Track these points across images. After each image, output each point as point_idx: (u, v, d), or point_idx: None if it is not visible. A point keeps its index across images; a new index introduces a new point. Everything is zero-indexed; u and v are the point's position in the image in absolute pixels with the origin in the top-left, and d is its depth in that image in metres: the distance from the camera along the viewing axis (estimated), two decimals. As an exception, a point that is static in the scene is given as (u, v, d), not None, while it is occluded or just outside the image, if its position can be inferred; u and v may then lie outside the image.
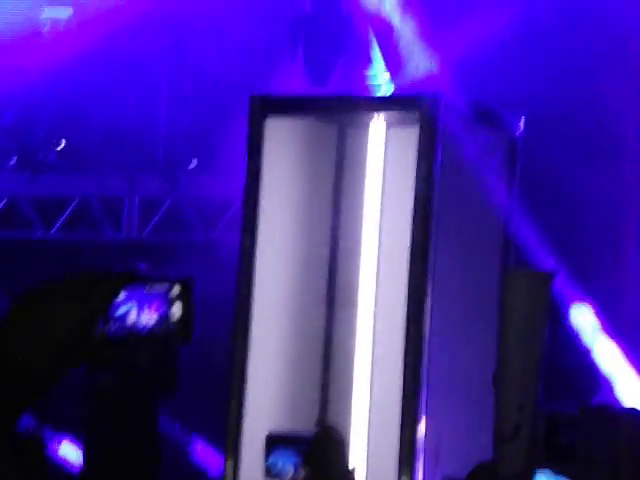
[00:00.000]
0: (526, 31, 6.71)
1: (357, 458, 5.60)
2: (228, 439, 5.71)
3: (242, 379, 5.84)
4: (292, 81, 6.69)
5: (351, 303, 6.08)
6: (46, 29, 8.04)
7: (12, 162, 8.19)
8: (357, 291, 6.09)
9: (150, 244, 7.74)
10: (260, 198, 6.03)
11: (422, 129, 5.80)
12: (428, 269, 5.70)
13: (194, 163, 7.84)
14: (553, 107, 6.69)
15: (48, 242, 7.99)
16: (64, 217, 8.05)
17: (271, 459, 3.43)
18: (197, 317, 1.45)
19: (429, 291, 5.65)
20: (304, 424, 5.50)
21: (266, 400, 5.89)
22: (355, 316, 6.06)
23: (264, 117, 6.06)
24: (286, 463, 3.44)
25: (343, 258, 6.17)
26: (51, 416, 7.06)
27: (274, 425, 5.60)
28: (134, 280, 1.48)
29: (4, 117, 8.16)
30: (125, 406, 5.04)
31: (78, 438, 6.81)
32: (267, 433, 4.74)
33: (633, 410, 4.90)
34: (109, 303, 1.47)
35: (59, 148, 8.06)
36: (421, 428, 5.48)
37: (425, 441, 5.43)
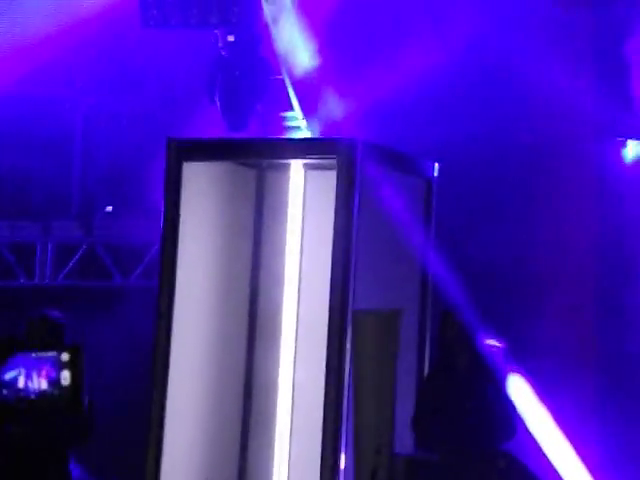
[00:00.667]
0: (443, 78, 6.83)
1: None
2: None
3: (160, 426, 5.76)
4: (210, 126, 6.69)
5: (272, 347, 6.06)
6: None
7: None
8: (279, 333, 6.08)
9: (65, 290, 7.62)
10: (178, 243, 5.98)
11: (340, 173, 5.85)
12: (347, 312, 5.72)
13: (110, 208, 7.77)
14: (466, 154, 6.81)
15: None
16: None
17: None
18: (108, 370, 1.42)
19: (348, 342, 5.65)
20: (224, 470, 5.42)
21: (184, 448, 5.82)
22: (277, 359, 6.04)
23: (181, 161, 6.03)
24: None
25: (265, 299, 6.16)
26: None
27: (192, 474, 5.52)
28: (18, 346, 1.45)
29: None
30: (36, 456, 4.96)
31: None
32: None
33: (500, 452, 4.89)
34: None
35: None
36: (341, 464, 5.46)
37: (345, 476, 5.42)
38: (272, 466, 5.90)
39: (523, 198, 6.87)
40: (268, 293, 6.15)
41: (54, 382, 1.32)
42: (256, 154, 6.19)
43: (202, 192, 6.08)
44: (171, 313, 5.92)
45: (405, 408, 5.46)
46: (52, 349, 1.27)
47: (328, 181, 5.93)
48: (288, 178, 6.17)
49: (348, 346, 5.55)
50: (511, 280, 6.69)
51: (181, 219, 5.99)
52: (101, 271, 7.73)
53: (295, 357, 6.01)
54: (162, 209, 6.04)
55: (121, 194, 7.71)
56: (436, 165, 6.43)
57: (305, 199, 6.15)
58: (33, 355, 1.34)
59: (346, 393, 5.45)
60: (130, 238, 7.57)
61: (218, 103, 6.72)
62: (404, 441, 5.12)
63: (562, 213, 6.72)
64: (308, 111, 6.80)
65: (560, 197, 6.75)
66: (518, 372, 6.10)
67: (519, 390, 6.14)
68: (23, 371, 1.34)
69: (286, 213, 6.15)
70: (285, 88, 6.82)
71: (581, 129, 6.76)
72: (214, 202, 6.13)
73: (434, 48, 6.84)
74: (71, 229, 7.75)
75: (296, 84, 6.91)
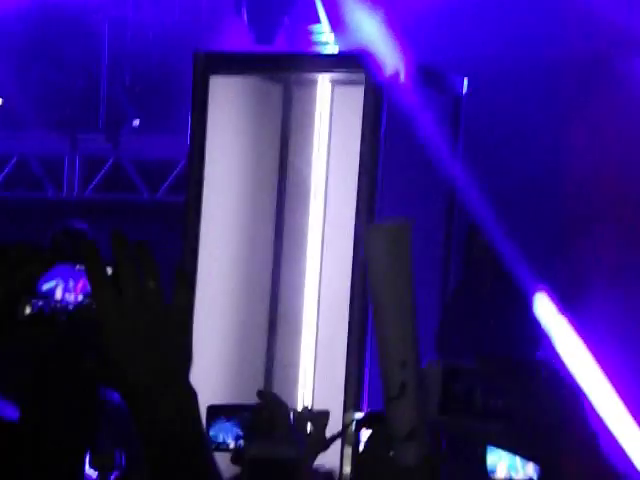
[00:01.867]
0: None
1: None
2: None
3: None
4: (237, 39, 6.62)
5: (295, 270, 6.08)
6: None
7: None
8: (305, 249, 6.09)
9: (92, 203, 7.64)
10: (205, 158, 5.98)
11: (367, 89, 5.79)
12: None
13: (137, 122, 7.74)
14: (498, 68, 6.70)
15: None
16: (2, 175, 7.92)
17: (212, 431, 3.39)
18: None
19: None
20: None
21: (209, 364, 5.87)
22: (303, 271, 6.06)
23: (208, 75, 5.98)
24: (227, 434, 3.40)
25: (289, 214, 6.16)
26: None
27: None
28: (62, 259, 1.42)
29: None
30: (64, 371, 5.01)
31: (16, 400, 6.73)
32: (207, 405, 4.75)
33: (536, 361, 4.92)
34: (33, 282, 1.41)
35: (-3, 106, 7.92)
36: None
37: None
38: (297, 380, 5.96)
39: (556, 115, 6.77)
40: (294, 207, 6.14)
41: (90, 295, 1.32)
42: (283, 68, 6.13)
43: (229, 106, 6.05)
44: (198, 229, 5.93)
45: (429, 324, 5.49)
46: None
47: (356, 96, 5.88)
48: (315, 93, 6.12)
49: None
50: (543, 196, 6.61)
51: (208, 133, 5.97)
52: (128, 185, 7.74)
53: (320, 274, 6.03)
54: (189, 123, 6.02)
55: (148, 108, 7.68)
56: (465, 80, 6.34)
57: (332, 114, 6.11)
58: (76, 267, 1.33)
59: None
60: (157, 153, 7.56)
61: (245, 16, 6.64)
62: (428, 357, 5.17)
63: (597, 131, 6.62)
64: (336, 25, 6.71)
65: (594, 115, 6.65)
66: (546, 293, 6.07)
67: (547, 310, 6.13)
68: (61, 282, 1.33)
69: (313, 127, 6.11)
70: (313, 2, 6.72)
71: (619, 47, 6.62)
72: (241, 116, 6.10)
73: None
74: (98, 142, 7.75)
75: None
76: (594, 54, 6.64)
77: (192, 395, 1.39)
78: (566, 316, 6.11)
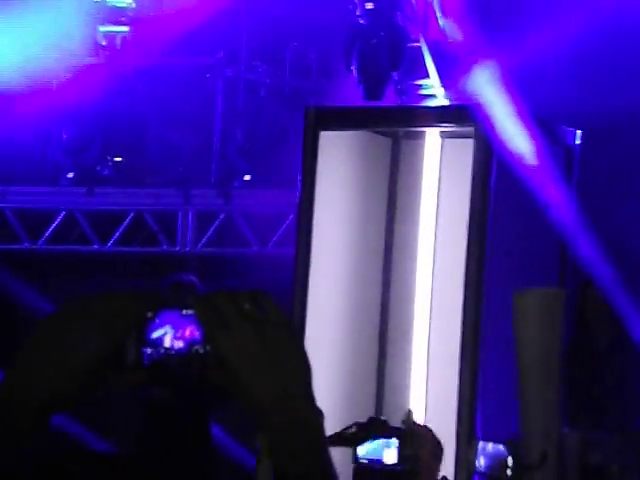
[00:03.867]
0: (587, 42, 6.64)
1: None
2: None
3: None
4: (346, 94, 6.68)
5: (405, 322, 6.04)
6: (103, 44, 8.12)
7: (69, 176, 8.27)
8: (412, 302, 6.05)
9: (203, 257, 7.75)
10: (314, 211, 6.01)
11: (477, 141, 5.76)
12: (482, 288, 5.65)
13: (248, 177, 7.86)
14: (611, 121, 6.60)
15: (104, 255, 8.05)
16: (119, 231, 8.11)
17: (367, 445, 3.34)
18: None
19: (482, 313, 5.57)
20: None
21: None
22: (411, 326, 6.02)
23: (318, 130, 6.04)
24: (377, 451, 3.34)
25: (397, 270, 6.14)
26: (100, 426, 7.08)
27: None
28: (164, 303, 1.43)
29: (60, 133, 8.25)
30: (176, 419, 5.03)
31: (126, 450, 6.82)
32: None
33: None
34: (136, 327, 1.41)
35: (116, 161, 8.13)
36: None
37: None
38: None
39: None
40: (401, 262, 6.12)
41: (199, 342, 1.32)
42: (392, 122, 6.15)
43: (338, 160, 6.09)
44: (307, 279, 5.96)
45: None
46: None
47: (465, 149, 5.85)
48: (424, 146, 6.12)
49: (482, 324, 5.49)
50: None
51: (317, 187, 6.01)
52: (238, 239, 7.84)
53: (430, 325, 5.98)
54: (298, 178, 6.07)
55: (259, 163, 7.79)
56: (578, 132, 6.26)
57: (441, 167, 6.09)
58: (183, 312, 1.33)
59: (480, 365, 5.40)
60: (267, 207, 7.65)
61: (355, 72, 6.70)
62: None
63: None
64: (445, 79, 6.71)
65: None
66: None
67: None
68: (170, 329, 1.33)
69: (421, 181, 6.10)
70: (422, 56, 6.75)
71: None
72: (350, 170, 6.12)
73: (580, 12, 6.65)
74: (211, 197, 7.89)
75: (434, 51, 6.83)
76: None
77: (318, 414, 1.41)
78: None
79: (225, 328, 1.40)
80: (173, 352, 1.42)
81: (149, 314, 1.42)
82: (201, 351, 1.41)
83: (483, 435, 5.25)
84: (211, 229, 7.91)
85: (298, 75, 7.59)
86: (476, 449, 2.81)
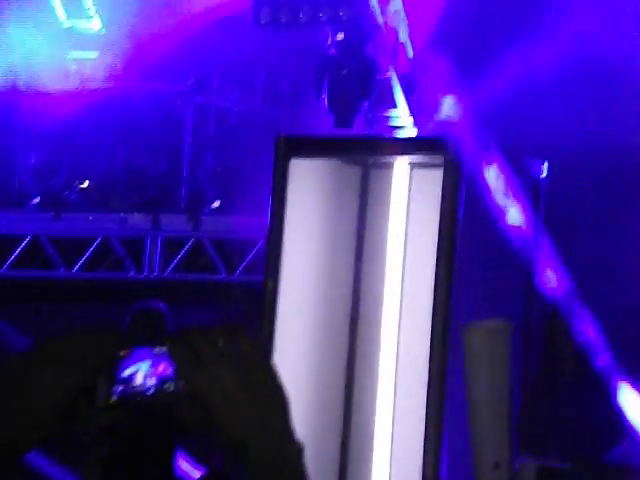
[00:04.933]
0: (550, 77, 6.72)
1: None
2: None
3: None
4: (317, 123, 6.72)
5: (372, 345, 6.05)
6: (72, 70, 8.11)
7: (35, 201, 8.23)
8: (379, 330, 6.07)
9: (171, 283, 7.73)
10: (284, 239, 6.03)
11: (446, 171, 5.81)
12: (451, 311, 5.68)
13: (217, 203, 7.86)
14: (575, 154, 6.68)
15: (70, 280, 8.00)
16: (85, 256, 8.07)
17: None
18: None
19: (449, 342, 5.59)
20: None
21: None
22: (377, 362, 6.03)
23: (289, 157, 6.07)
24: None
25: (366, 297, 6.15)
26: (63, 456, 7.02)
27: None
28: (136, 342, 1.43)
29: (28, 157, 8.22)
30: (141, 447, 5.00)
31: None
32: None
33: (633, 468, 4.78)
34: (108, 366, 1.41)
35: (82, 187, 8.10)
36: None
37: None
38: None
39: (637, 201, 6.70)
40: (370, 292, 6.14)
41: (171, 379, 1.31)
42: (361, 151, 6.19)
43: (308, 188, 6.12)
44: (275, 307, 5.96)
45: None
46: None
47: (434, 179, 5.90)
48: (392, 176, 6.16)
49: (448, 356, 5.50)
50: (628, 282, 6.50)
51: (287, 215, 6.03)
52: (207, 265, 7.82)
53: (397, 364, 5.99)
54: (268, 205, 6.09)
55: (228, 190, 7.80)
56: (545, 164, 6.33)
57: (410, 196, 6.13)
58: (155, 350, 1.32)
59: (447, 407, 5.40)
60: (236, 233, 7.64)
61: (325, 101, 6.74)
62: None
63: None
64: (415, 110, 6.77)
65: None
66: (631, 383, 5.92)
67: (631, 400, 5.97)
68: (142, 367, 1.32)
69: (390, 210, 6.14)
70: (391, 87, 6.81)
71: None
72: (319, 198, 6.15)
73: (539, 45, 6.74)
74: (179, 223, 7.87)
75: (403, 83, 6.89)
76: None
77: (298, 447, 1.42)
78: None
79: (200, 366, 1.39)
80: (144, 389, 1.42)
81: (121, 353, 1.42)
82: (172, 388, 1.41)
83: (451, 435, 5.26)
84: (180, 255, 7.89)
85: (269, 103, 7.63)
86: None
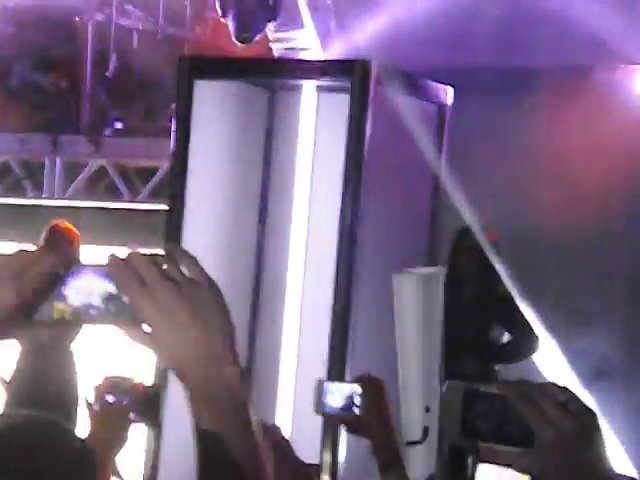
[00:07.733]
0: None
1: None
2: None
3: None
4: (222, 44, 6.60)
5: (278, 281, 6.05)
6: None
7: None
8: (287, 254, 6.06)
9: (73, 208, 7.59)
10: (188, 162, 5.94)
11: (353, 95, 5.78)
12: (355, 238, 5.70)
13: (119, 125, 7.71)
14: (481, 78, 6.70)
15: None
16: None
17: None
18: None
19: (355, 267, 5.62)
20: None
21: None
22: (284, 282, 6.04)
23: (193, 79, 5.95)
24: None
25: (272, 222, 6.13)
26: None
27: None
28: (78, 261, 1.42)
29: None
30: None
31: None
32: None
33: (558, 387, 4.90)
34: (49, 283, 1.39)
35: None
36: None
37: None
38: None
39: (533, 126, 6.77)
40: (277, 216, 6.12)
41: (115, 298, 1.39)
42: (267, 73, 6.11)
43: (213, 111, 6.02)
44: (179, 234, 5.89)
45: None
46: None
47: (342, 104, 5.86)
48: (300, 99, 6.10)
49: (354, 278, 5.53)
50: (526, 202, 6.57)
51: (192, 137, 5.94)
52: (110, 189, 7.70)
53: (303, 282, 6.00)
54: (172, 127, 5.99)
55: (131, 111, 7.64)
56: (450, 90, 6.34)
57: (317, 120, 6.09)
58: (98, 269, 1.34)
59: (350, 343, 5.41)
60: (139, 157, 7.52)
61: (229, 19, 6.62)
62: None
63: (569, 141, 6.62)
64: (322, 33, 6.69)
65: (568, 126, 6.65)
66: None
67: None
68: (83, 286, 1.35)
69: (297, 134, 6.09)
70: (298, 7, 6.71)
71: (596, 57, 6.63)
72: (225, 121, 6.07)
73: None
74: (81, 145, 7.71)
75: (311, 4, 6.80)
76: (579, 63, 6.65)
77: (241, 374, 1.41)
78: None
79: (144, 288, 1.38)
80: (85, 307, 1.40)
81: (62, 270, 1.41)
82: (114, 308, 1.40)
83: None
84: (80, 178, 7.74)
85: (173, 21, 7.46)
86: (322, 389, 2.81)
